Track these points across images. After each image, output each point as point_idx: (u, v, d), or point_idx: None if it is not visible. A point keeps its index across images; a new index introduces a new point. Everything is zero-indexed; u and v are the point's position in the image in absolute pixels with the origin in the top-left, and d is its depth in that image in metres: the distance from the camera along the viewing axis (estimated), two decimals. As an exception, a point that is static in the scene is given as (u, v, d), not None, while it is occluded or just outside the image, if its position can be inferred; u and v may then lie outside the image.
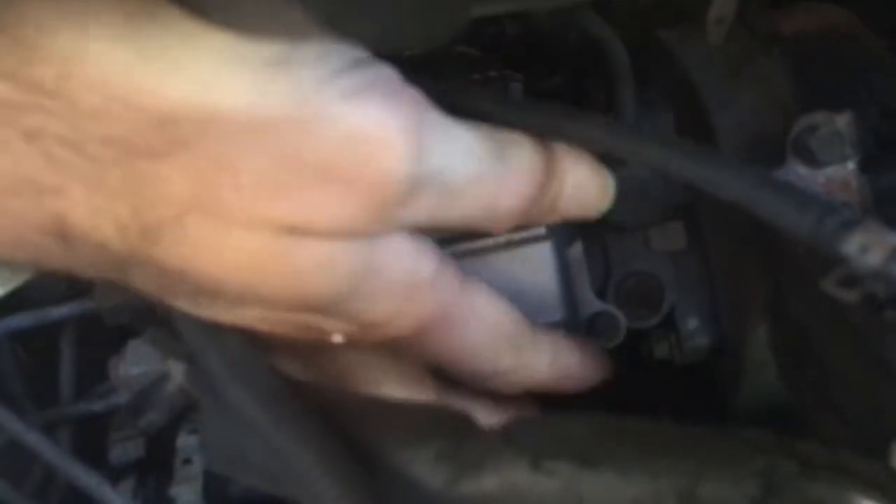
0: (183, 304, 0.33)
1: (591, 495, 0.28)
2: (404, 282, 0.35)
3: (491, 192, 0.39)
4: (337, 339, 0.35)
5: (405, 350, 0.38)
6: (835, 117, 0.44)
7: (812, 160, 0.44)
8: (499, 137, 0.39)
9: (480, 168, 0.37)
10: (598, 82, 0.66)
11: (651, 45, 0.58)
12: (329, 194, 0.32)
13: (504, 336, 0.40)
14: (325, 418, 0.30)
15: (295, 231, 0.32)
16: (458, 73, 0.56)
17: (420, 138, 0.34)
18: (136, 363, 0.51)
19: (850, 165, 0.44)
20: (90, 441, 0.55)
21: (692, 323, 0.56)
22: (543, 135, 0.41)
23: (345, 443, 0.30)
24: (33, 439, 0.50)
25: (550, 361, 0.45)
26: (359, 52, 0.33)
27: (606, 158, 0.50)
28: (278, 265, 0.32)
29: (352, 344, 0.36)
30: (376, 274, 0.34)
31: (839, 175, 0.44)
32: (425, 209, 0.35)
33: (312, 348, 0.37)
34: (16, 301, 0.51)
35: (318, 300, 0.33)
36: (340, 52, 0.32)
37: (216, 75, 0.29)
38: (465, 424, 0.32)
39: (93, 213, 0.29)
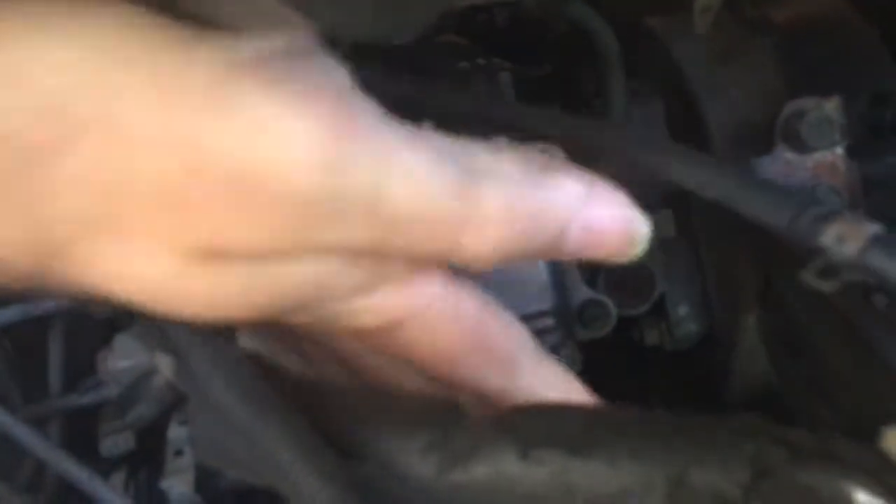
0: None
1: (580, 484, 0.28)
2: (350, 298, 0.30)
3: (450, 232, 0.30)
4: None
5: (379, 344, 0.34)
6: (823, 102, 0.44)
7: (800, 145, 0.44)
8: (475, 167, 0.30)
9: (432, 201, 0.30)
10: (586, 70, 0.66)
11: (639, 34, 0.58)
12: (236, 209, 0.27)
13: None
14: (311, 412, 0.30)
15: (207, 254, 0.28)
16: (445, 62, 0.56)
17: (339, 145, 0.28)
18: (124, 356, 0.51)
19: (839, 150, 0.44)
20: (80, 434, 0.55)
21: (682, 310, 0.56)
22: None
23: (331, 435, 0.30)
24: (23, 433, 0.50)
25: None
26: (287, 41, 0.28)
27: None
28: (196, 292, 0.28)
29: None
30: (316, 291, 0.30)
31: (827, 160, 0.44)
32: (360, 234, 0.29)
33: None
34: (2, 295, 0.50)
35: (248, 321, 0.30)
36: (259, 39, 0.28)
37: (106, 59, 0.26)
38: (454, 414, 0.31)
39: None
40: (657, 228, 0.56)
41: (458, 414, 0.32)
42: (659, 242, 0.56)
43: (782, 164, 0.44)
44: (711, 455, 0.27)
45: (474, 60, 0.57)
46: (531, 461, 0.29)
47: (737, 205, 0.31)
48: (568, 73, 0.67)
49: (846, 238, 0.28)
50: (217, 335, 0.32)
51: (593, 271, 0.56)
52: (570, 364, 0.51)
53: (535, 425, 0.30)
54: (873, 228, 0.28)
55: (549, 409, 0.32)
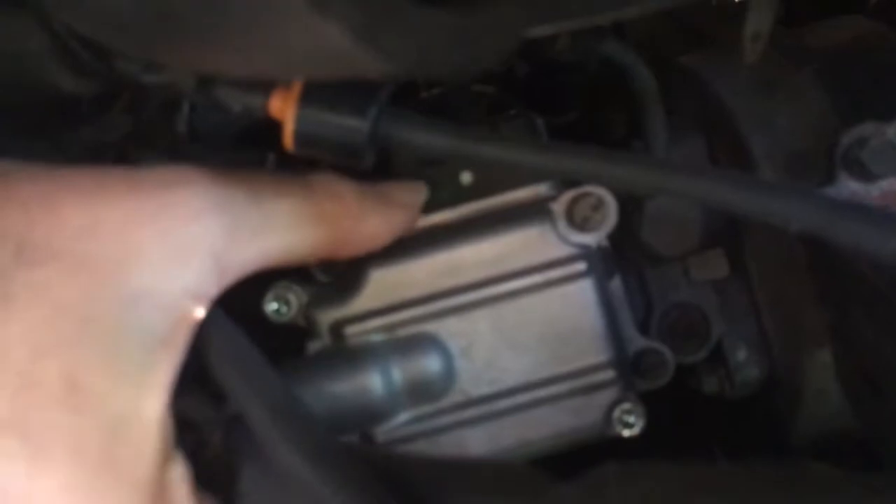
0: None
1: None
2: None
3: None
4: None
5: None
6: (885, 128, 0.42)
7: (865, 174, 0.42)
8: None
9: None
10: (615, 114, 0.65)
11: (672, 72, 0.57)
12: None
13: None
14: (387, 480, 0.28)
15: None
16: (477, 111, 0.54)
17: None
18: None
19: (905, 177, 0.42)
20: None
21: (741, 354, 0.53)
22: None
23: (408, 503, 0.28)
24: None
25: None
26: None
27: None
28: None
29: None
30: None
31: (895, 188, 0.42)
32: None
33: None
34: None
35: None
36: None
37: None
38: (538, 483, 0.29)
39: None
40: (708, 269, 0.54)
41: (541, 483, 0.30)
42: (712, 283, 0.53)
43: (848, 194, 0.42)
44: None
45: (505, 110, 0.55)
46: (630, 531, 0.27)
47: (833, 235, 0.28)
48: (595, 120, 0.66)
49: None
50: (281, 389, 0.31)
51: (645, 317, 0.53)
52: (636, 418, 0.48)
53: (628, 492, 0.28)
54: None
55: (639, 471, 0.30)
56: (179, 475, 0.35)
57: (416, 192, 0.46)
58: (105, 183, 0.35)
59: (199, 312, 0.35)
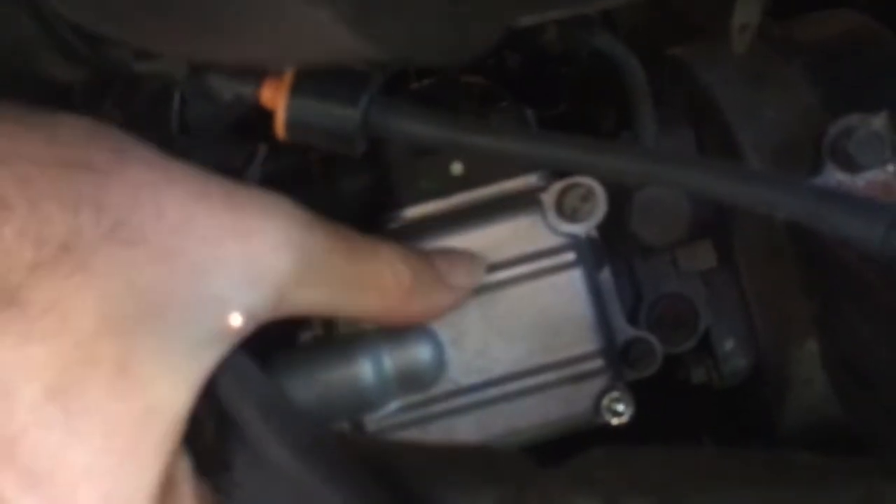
0: None
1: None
2: None
3: None
4: None
5: None
6: (871, 119, 0.42)
7: (850, 164, 0.42)
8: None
9: None
10: (605, 107, 0.65)
11: (662, 64, 0.57)
12: None
13: None
14: (375, 467, 0.28)
15: None
16: (469, 103, 0.55)
17: None
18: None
19: (891, 168, 0.43)
20: None
21: (729, 344, 0.54)
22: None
23: (399, 493, 0.28)
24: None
25: None
26: None
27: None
28: None
29: None
30: None
31: (880, 178, 0.43)
32: None
33: None
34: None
35: None
36: None
37: None
38: (526, 468, 0.29)
39: None
40: (696, 260, 0.55)
41: (529, 467, 0.30)
42: (700, 274, 0.54)
43: (834, 184, 0.42)
44: (820, 496, 0.25)
45: (496, 102, 0.55)
46: (618, 513, 0.27)
47: (819, 223, 0.29)
48: (584, 112, 0.66)
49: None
50: (272, 388, 0.31)
51: (633, 307, 0.54)
52: (625, 407, 0.48)
53: (616, 476, 0.28)
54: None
55: (626, 455, 0.30)
56: (185, 469, 0.36)
57: (472, 274, 0.47)
58: (209, 190, 0.37)
59: (245, 332, 0.37)
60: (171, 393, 0.34)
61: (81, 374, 0.32)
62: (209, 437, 0.35)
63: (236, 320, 0.36)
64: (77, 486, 0.32)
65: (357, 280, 0.42)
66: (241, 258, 0.36)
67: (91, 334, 0.32)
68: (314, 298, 0.40)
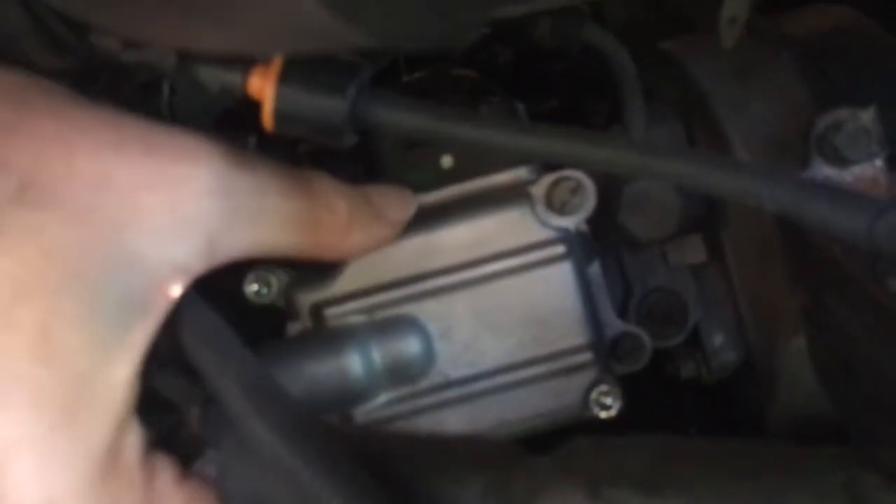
0: None
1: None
2: None
3: None
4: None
5: None
6: (859, 113, 0.42)
7: (838, 159, 0.43)
8: None
9: None
10: (597, 102, 0.65)
11: (650, 57, 0.57)
12: None
13: None
14: (363, 455, 0.28)
15: None
16: (459, 96, 0.54)
17: None
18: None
19: (878, 163, 0.43)
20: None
21: (718, 339, 0.54)
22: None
23: (386, 479, 0.28)
24: None
25: None
26: None
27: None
28: None
29: None
30: None
31: (868, 173, 0.43)
32: None
33: None
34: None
35: None
36: None
37: None
38: (512, 456, 0.29)
39: None
40: (686, 255, 0.55)
41: (516, 455, 0.30)
42: (690, 269, 0.54)
43: (822, 178, 0.42)
44: (802, 484, 0.25)
45: (487, 96, 0.55)
46: (601, 501, 0.27)
47: (803, 215, 0.29)
48: (575, 106, 0.66)
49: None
50: (255, 366, 0.31)
51: (623, 301, 0.54)
52: (614, 400, 0.48)
53: (600, 463, 0.28)
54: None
55: (611, 444, 0.30)
56: (133, 443, 0.35)
57: (406, 208, 0.47)
58: (124, 137, 0.35)
59: (180, 287, 0.35)
60: (102, 361, 0.33)
61: (1, 342, 0.31)
62: (193, 422, 0.35)
63: (162, 279, 0.34)
64: (7, 458, 0.31)
65: (292, 218, 0.40)
66: (163, 209, 0.35)
67: (7, 301, 0.31)
68: (249, 241, 0.39)
